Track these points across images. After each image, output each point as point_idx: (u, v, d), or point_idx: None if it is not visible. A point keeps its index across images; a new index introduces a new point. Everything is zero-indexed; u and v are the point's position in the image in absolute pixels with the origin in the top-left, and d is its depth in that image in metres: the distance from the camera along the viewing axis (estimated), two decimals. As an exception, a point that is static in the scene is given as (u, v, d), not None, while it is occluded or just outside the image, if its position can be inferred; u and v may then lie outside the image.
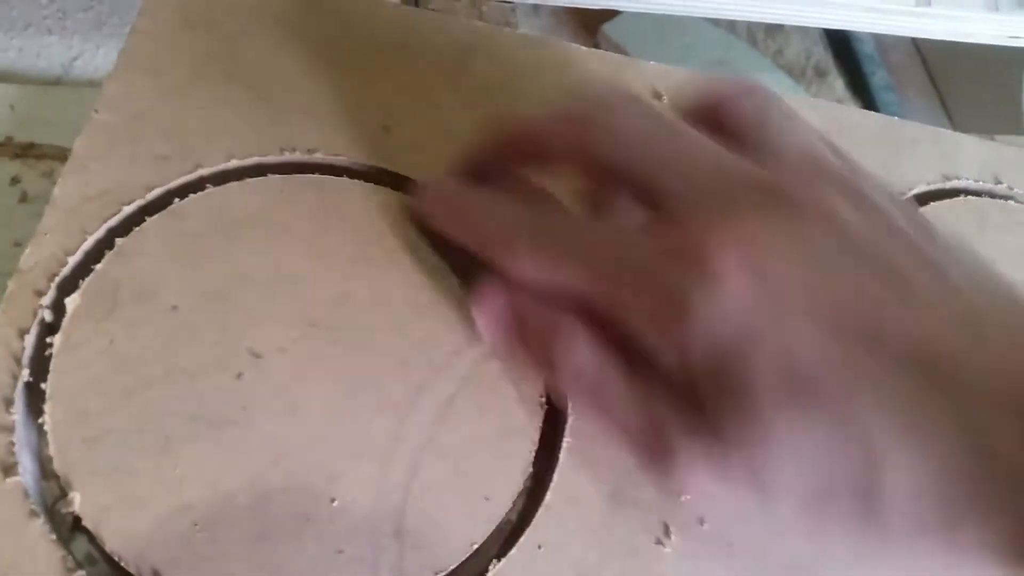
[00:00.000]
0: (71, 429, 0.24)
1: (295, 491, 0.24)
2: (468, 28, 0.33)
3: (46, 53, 0.44)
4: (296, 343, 0.26)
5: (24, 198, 0.30)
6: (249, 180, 0.28)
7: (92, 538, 0.23)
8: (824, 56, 1.11)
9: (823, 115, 0.36)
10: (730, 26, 0.92)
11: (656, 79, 0.35)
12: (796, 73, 0.67)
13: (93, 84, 0.41)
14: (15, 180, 0.32)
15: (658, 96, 0.34)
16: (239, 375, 0.25)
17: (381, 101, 0.31)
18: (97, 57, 0.43)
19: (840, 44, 1.02)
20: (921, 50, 1.12)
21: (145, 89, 0.29)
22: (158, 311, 0.26)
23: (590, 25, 0.50)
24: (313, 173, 0.29)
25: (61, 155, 0.27)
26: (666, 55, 0.42)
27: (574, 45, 0.34)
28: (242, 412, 0.25)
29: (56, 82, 0.41)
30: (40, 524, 0.22)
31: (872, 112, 0.37)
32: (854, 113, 0.36)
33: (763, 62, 0.66)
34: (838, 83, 0.75)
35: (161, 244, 0.27)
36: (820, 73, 0.95)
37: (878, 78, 1.06)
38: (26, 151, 0.31)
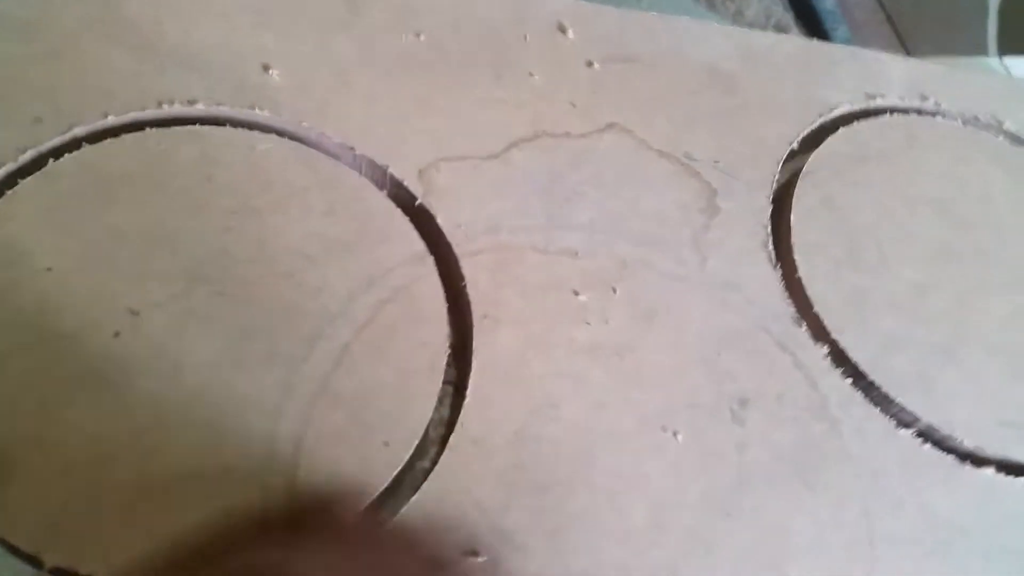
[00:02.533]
0: (-64, 399, 0.22)
1: (179, 449, 0.23)
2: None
3: None
4: (176, 299, 0.25)
5: None
6: (126, 136, 0.27)
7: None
8: (784, 15, 1.10)
9: (736, 42, 0.35)
10: (689, -14, 0.90)
11: (562, 14, 0.33)
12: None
13: None
14: None
15: (563, 30, 0.33)
16: (116, 334, 0.24)
17: (264, 47, 0.30)
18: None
19: (800, 1, 1.01)
20: (885, 7, 1.11)
21: (16, 54, 0.28)
22: (31, 274, 0.25)
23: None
24: (193, 125, 0.28)
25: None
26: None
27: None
28: (120, 372, 0.24)
29: None
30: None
31: (789, 36, 0.36)
32: (768, 37, 0.35)
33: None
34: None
35: (34, 207, 0.26)
36: (781, 31, 0.94)
37: (840, 33, 1.05)
38: None
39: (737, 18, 0.98)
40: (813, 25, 1.11)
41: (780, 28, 0.97)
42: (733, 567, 0.24)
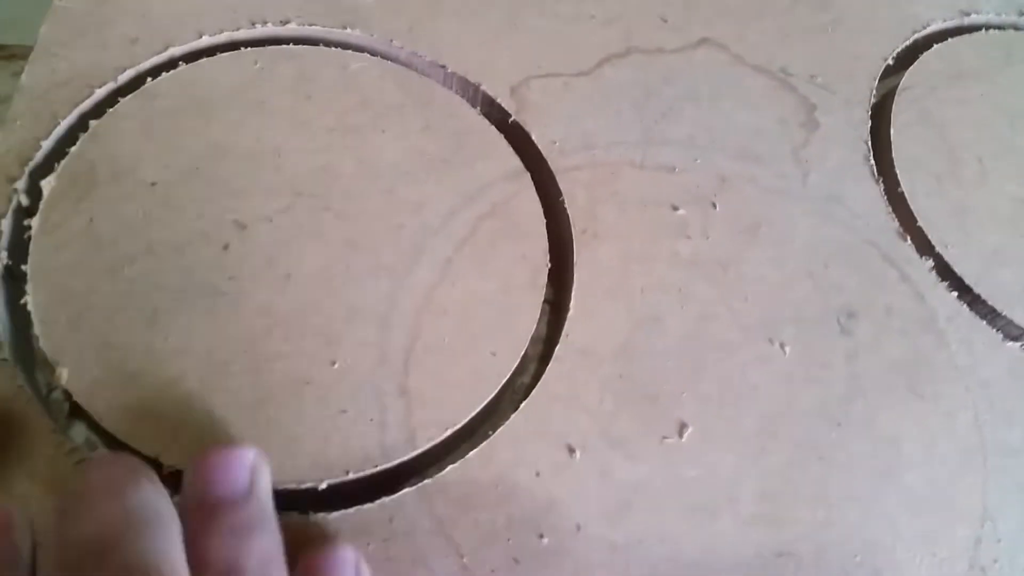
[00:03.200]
0: (55, 309, 0.23)
1: (292, 356, 0.23)
2: None
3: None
4: (283, 213, 0.25)
5: (-4, 98, 0.30)
6: (222, 56, 0.27)
7: (91, 423, 0.22)
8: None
9: (826, -44, 0.33)
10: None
11: None
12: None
13: None
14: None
15: None
16: (225, 246, 0.24)
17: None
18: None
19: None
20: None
21: (109, -25, 0.28)
22: (137, 188, 0.25)
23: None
24: (287, 44, 0.28)
25: (31, 54, 0.26)
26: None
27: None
28: (231, 282, 0.24)
29: None
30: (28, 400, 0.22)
31: (880, -50, 0.35)
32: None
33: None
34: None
35: (136, 123, 0.26)
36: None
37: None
38: (-6, 51, 0.30)
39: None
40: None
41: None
42: (848, 475, 0.24)
